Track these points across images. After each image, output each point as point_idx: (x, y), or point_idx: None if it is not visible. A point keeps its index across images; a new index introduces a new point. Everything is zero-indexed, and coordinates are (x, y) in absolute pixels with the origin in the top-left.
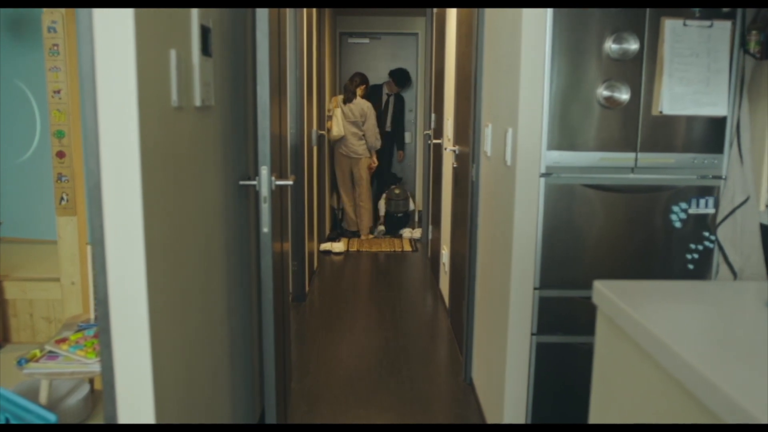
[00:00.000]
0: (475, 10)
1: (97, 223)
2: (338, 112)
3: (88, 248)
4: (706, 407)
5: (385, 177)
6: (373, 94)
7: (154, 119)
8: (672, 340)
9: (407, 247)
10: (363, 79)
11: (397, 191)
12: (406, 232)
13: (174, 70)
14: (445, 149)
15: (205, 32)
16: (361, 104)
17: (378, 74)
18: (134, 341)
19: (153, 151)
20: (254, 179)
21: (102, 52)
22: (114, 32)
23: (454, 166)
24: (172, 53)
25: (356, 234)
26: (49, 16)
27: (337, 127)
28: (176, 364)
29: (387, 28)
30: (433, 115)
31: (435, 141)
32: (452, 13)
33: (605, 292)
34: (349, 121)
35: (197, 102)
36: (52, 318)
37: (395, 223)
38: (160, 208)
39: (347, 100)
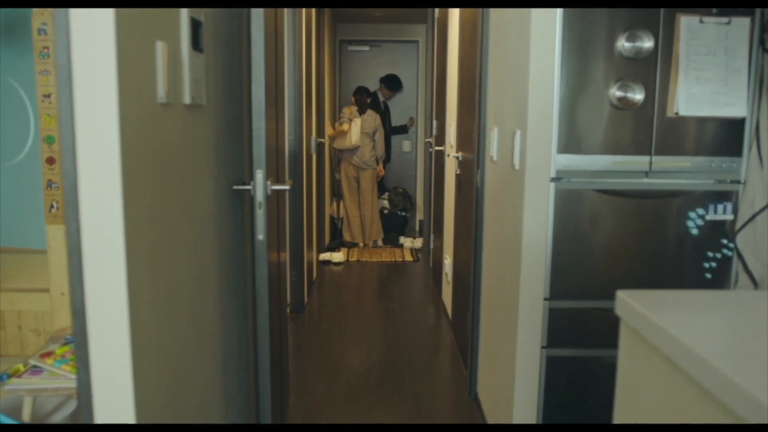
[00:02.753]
0: (480, 10)
1: (74, 227)
2: (358, 122)
3: None
4: (748, 422)
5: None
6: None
7: (137, 114)
8: (709, 354)
9: (408, 257)
10: (368, 91)
11: (400, 189)
12: (407, 242)
13: (161, 64)
14: (448, 156)
15: (195, 25)
16: (374, 116)
17: (378, 82)
18: (114, 358)
19: (136, 149)
20: (249, 184)
21: (78, 38)
22: (92, 17)
23: (457, 173)
24: (159, 45)
25: (356, 245)
26: (39, 18)
27: (356, 136)
28: (161, 382)
29: (387, 35)
30: (434, 122)
31: (437, 148)
32: (454, 17)
33: (630, 302)
34: (363, 132)
35: (186, 99)
36: (41, 330)
37: (399, 223)
38: (144, 212)
39: (362, 112)
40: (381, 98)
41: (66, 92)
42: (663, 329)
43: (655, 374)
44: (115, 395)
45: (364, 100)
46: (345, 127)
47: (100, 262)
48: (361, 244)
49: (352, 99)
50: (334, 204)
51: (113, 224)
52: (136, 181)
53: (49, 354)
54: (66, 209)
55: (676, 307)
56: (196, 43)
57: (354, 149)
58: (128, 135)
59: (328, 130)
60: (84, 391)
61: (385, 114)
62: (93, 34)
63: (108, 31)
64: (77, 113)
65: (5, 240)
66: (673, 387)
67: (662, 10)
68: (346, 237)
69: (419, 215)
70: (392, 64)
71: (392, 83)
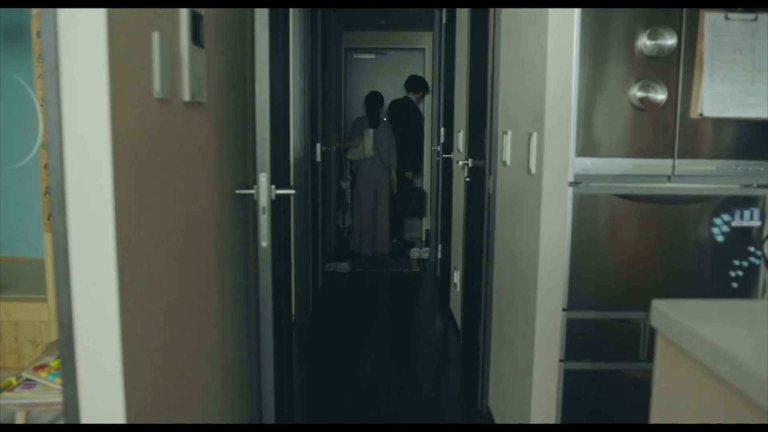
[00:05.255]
0: (492, 11)
1: (61, 230)
2: (371, 132)
3: None
4: None
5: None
6: (407, 108)
7: (130, 108)
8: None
9: (415, 268)
10: (381, 100)
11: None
12: (414, 252)
13: (157, 56)
14: (457, 163)
15: (195, 18)
16: (388, 126)
17: (384, 90)
18: (104, 373)
19: (129, 145)
20: (252, 188)
21: (66, 26)
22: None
23: (467, 180)
24: (155, 36)
25: (366, 255)
26: (38, 21)
27: (369, 148)
28: (155, 398)
29: (393, 43)
30: (442, 129)
31: (444, 156)
32: (463, 22)
33: (669, 313)
34: (381, 142)
35: (186, 96)
36: (38, 341)
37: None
38: (138, 214)
39: (375, 124)
40: (414, 101)
41: (53, 84)
42: (712, 344)
43: (700, 393)
44: (104, 412)
45: (376, 111)
46: (356, 142)
47: (89, 268)
48: (370, 254)
49: (364, 105)
50: (340, 214)
51: (103, 227)
52: (129, 181)
53: (43, 367)
54: (52, 211)
55: (719, 318)
56: (196, 38)
57: (369, 161)
58: (120, 130)
59: (335, 140)
60: (71, 409)
61: (420, 117)
62: (82, 21)
63: (99, 19)
64: (64, 105)
65: (4, 249)
66: (723, 407)
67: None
68: (356, 247)
69: (426, 225)
70: (398, 72)
71: (416, 85)
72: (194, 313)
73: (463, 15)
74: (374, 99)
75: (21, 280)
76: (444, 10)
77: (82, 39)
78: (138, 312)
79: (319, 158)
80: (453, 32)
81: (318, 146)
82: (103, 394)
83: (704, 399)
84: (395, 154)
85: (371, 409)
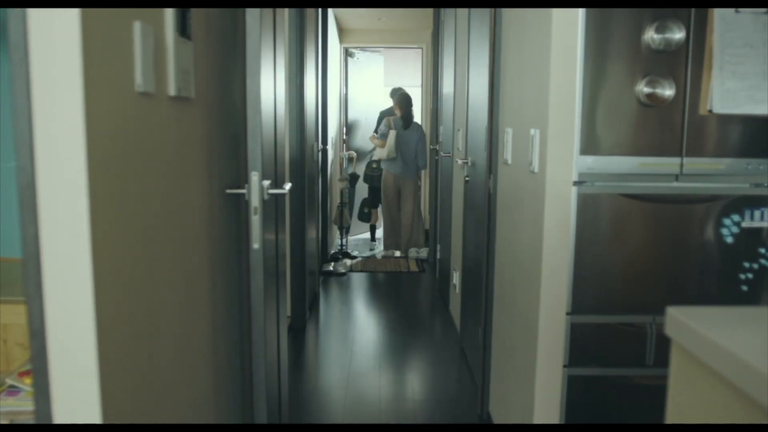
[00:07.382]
0: (492, 9)
1: (31, 232)
2: (393, 134)
3: None
4: None
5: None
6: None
7: (109, 103)
8: None
9: (413, 268)
10: (410, 101)
11: (374, 165)
12: (412, 252)
13: (139, 46)
14: (456, 161)
15: (182, 8)
16: (419, 127)
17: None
18: (79, 385)
19: (107, 142)
20: (244, 187)
21: (37, 11)
22: None
23: (467, 179)
24: (137, 25)
25: (355, 256)
26: None
27: (389, 148)
28: (136, 413)
29: (392, 42)
30: (440, 128)
31: (443, 155)
32: (463, 18)
33: (685, 321)
34: (406, 144)
35: (171, 91)
36: (27, 344)
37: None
38: (117, 214)
39: (408, 125)
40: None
41: (21, 74)
42: (732, 354)
43: (719, 406)
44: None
45: (410, 112)
46: (379, 143)
47: (63, 271)
48: (398, 253)
49: (397, 109)
50: (338, 213)
51: (77, 229)
52: (107, 179)
53: (28, 372)
54: (21, 211)
55: (738, 326)
56: (183, 29)
57: (391, 161)
58: (96, 125)
59: (373, 139)
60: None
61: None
62: (53, 6)
63: (72, 6)
64: (34, 97)
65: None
66: (742, 420)
67: None
68: (389, 246)
69: (425, 224)
70: (397, 71)
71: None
72: (181, 317)
73: (462, 12)
74: (408, 100)
75: (12, 281)
76: (443, 9)
77: (54, 25)
78: (117, 318)
79: (316, 157)
80: (453, 30)
81: (315, 145)
82: (78, 408)
83: (723, 412)
84: (424, 155)
85: (368, 413)
